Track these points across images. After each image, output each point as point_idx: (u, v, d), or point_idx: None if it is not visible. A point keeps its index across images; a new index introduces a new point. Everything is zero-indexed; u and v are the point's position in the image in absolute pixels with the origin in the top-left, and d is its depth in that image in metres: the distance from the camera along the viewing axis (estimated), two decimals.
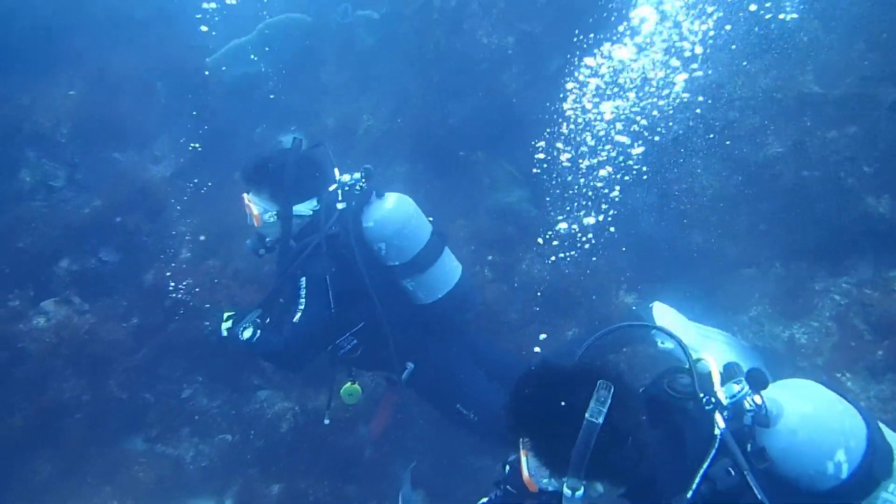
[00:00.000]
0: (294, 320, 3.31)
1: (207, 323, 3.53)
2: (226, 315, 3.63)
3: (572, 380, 1.92)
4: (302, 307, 3.31)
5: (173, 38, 6.61)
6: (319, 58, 6.85)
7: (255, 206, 3.52)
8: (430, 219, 3.65)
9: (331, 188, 3.57)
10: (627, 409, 1.87)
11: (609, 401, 1.81)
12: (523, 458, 2.02)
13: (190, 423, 4.70)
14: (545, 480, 1.98)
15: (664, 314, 3.82)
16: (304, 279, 3.34)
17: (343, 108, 6.66)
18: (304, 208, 3.54)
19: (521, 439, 2.00)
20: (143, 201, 5.51)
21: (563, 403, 1.85)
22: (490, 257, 5.46)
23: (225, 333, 3.55)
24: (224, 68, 6.61)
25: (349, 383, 3.67)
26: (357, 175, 3.50)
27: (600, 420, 1.79)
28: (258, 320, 3.53)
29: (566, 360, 2.06)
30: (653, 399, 2.05)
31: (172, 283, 5.03)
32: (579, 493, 1.86)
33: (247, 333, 3.43)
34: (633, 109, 4.87)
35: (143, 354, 4.82)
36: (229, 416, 4.76)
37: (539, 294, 5.04)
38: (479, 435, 3.78)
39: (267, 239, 3.60)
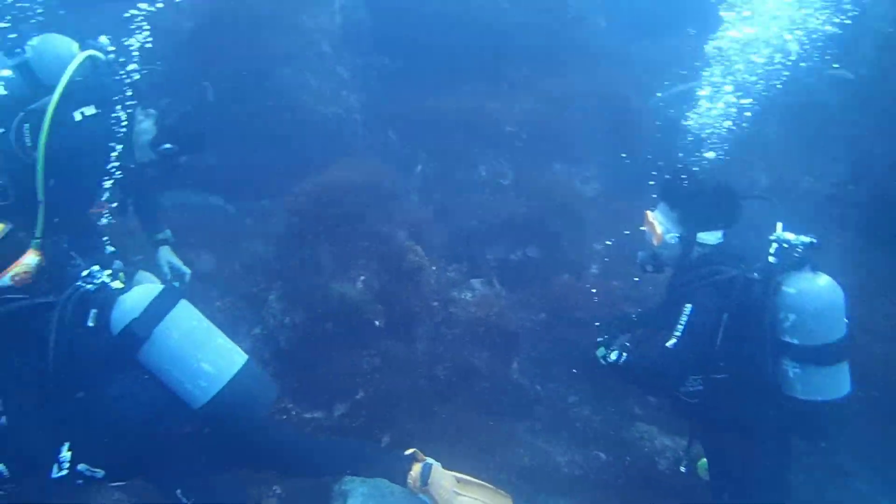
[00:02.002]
0: (667, 345, 3.24)
1: (600, 339, 3.74)
2: (598, 339, 3.71)
3: None
4: (678, 334, 3.22)
5: (622, 73, 7.04)
6: (765, 112, 6.55)
7: (659, 225, 3.53)
8: (846, 320, 3.27)
9: (770, 237, 3.41)
10: None
11: None
12: None
13: (570, 429, 4.82)
14: None
15: None
16: (689, 306, 3.25)
17: (780, 164, 6.28)
18: (710, 238, 3.46)
19: None
20: (569, 212, 5.90)
21: None
22: None
23: (601, 358, 3.61)
24: (662, 105, 6.76)
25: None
26: (803, 239, 3.32)
27: None
28: (627, 344, 3.56)
29: None
30: None
31: (580, 294, 5.29)
32: None
33: (612, 356, 3.49)
34: None
35: (542, 349, 5.12)
36: (607, 436, 4.76)
37: None
38: None
39: (661, 259, 3.60)
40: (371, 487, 4.01)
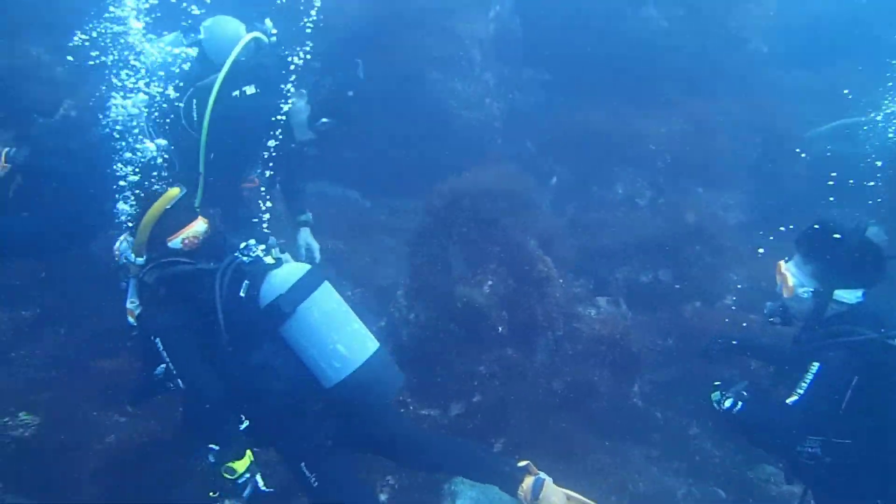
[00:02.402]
0: (788, 401, 3.05)
1: (717, 382, 3.58)
2: (715, 382, 3.50)
3: None
4: (801, 391, 3.03)
5: (780, 102, 6.69)
6: None
7: (791, 277, 3.30)
8: None
9: None
10: None
11: None
12: None
13: (689, 461, 4.62)
14: None
15: None
16: (817, 365, 3.03)
17: None
18: (848, 296, 3.20)
19: None
20: (707, 238, 5.66)
21: None
22: None
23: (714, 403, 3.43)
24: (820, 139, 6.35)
25: None
26: None
27: None
28: (743, 392, 3.34)
29: None
30: None
31: (712, 323, 5.05)
32: None
33: (727, 403, 3.31)
34: None
35: (667, 375, 4.94)
36: (729, 473, 4.52)
37: None
38: None
39: (791, 312, 3.39)
40: (480, 492, 4.04)
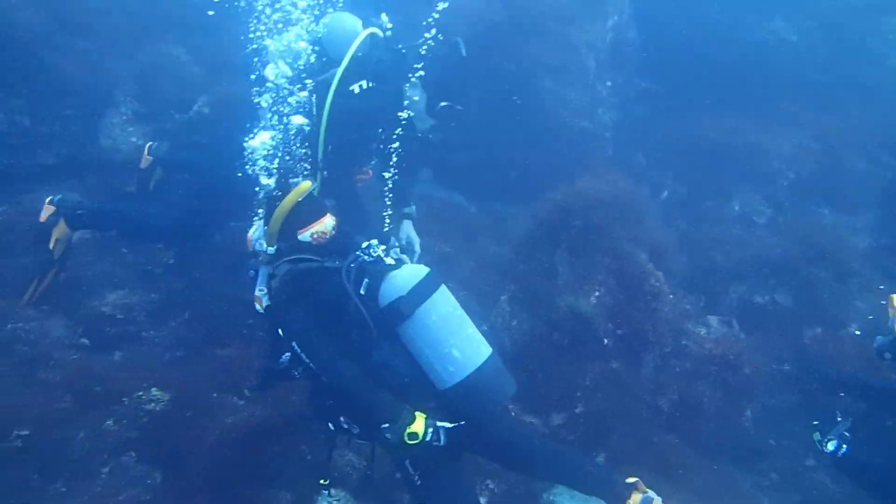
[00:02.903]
0: None
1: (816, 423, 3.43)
2: (815, 422, 3.50)
3: None
4: None
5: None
6: None
7: None
8: None
9: None
10: None
11: None
12: None
13: (804, 493, 4.42)
14: None
15: None
16: None
17: None
18: None
19: None
20: (832, 262, 5.36)
21: None
22: None
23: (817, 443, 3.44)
24: None
25: None
26: None
27: None
28: (846, 433, 3.31)
29: None
30: None
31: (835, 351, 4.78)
32: None
33: (830, 446, 3.31)
34: None
35: (783, 401, 4.71)
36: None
37: None
38: None
39: None
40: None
